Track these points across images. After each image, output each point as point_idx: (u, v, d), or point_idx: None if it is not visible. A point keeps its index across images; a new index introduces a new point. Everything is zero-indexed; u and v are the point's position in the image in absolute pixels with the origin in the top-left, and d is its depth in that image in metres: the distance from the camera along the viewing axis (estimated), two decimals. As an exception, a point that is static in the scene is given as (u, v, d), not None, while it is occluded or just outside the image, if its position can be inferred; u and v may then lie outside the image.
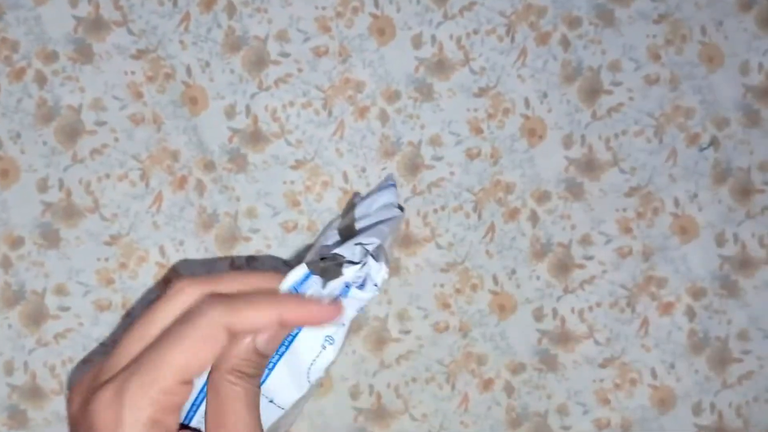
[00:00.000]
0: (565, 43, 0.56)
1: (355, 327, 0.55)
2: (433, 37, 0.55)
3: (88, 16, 0.53)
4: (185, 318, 0.31)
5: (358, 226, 0.45)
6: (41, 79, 0.53)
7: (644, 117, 0.56)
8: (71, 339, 0.53)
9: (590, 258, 0.55)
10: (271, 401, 0.37)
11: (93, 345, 0.53)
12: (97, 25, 0.53)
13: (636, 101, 0.56)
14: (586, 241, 0.55)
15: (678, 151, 0.56)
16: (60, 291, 0.53)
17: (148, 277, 0.54)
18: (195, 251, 0.54)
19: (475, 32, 0.55)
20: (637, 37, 0.56)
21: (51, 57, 0.53)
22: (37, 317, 0.53)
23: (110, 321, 0.53)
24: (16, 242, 0.53)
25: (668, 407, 0.55)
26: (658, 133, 0.56)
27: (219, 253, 0.54)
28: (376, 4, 0.55)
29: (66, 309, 0.53)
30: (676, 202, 0.56)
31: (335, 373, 0.55)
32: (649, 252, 0.55)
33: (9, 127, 0.53)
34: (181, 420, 0.34)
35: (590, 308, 0.55)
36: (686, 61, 0.56)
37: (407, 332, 0.55)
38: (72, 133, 0.53)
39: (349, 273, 0.37)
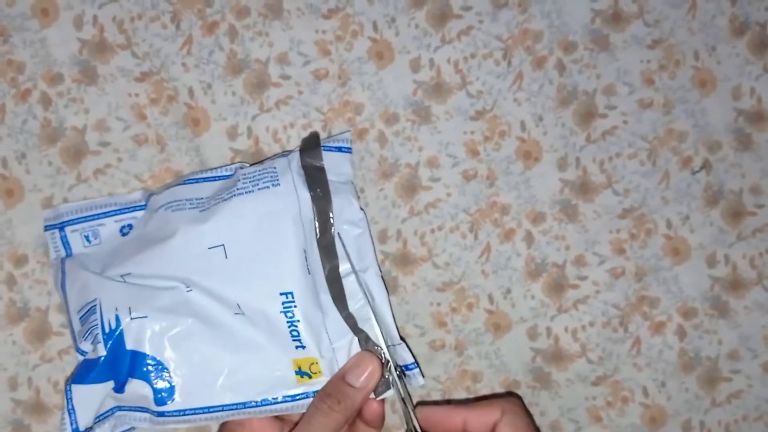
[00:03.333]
0: (561, 67, 0.57)
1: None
2: (431, 61, 0.56)
3: (92, 39, 0.54)
4: None
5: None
6: (46, 101, 0.54)
7: (638, 140, 0.57)
8: (74, 355, 0.54)
9: (584, 278, 0.56)
10: None
11: (96, 361, 0.54)
12: (101, 47, 0.54)
13: (630, 125, 0.57)
14: (580, 261, 0.56)
15: (671, 173, 0.57)
16: (62, 309, 0.54)
17: (150, 295, 0.55)
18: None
19: (473, 56, 0.56)
20: (632, 61, 0.57)
21: (56, 79, 0.54)
22: (40, 334, 0.54)
23: (113, 338, 0.55)
24: (21, 260, 0.54)
25: (659, 425, 0.56)
26: (651, 156, 0.57)
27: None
28: (375, 29, 0.56)
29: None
30: (669, 224, 0.57)
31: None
32: (641, 273, 0.57)
33: (14, 148, 0.54)
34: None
35: (583, 327, 0.56)
36: (679, 85, 0.57)
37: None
38: (76, 153, 0.54)
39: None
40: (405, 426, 0.47)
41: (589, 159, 0.57)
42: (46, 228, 0.52)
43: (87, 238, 0.52)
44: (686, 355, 0.57)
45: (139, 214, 0.52)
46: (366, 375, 0.46)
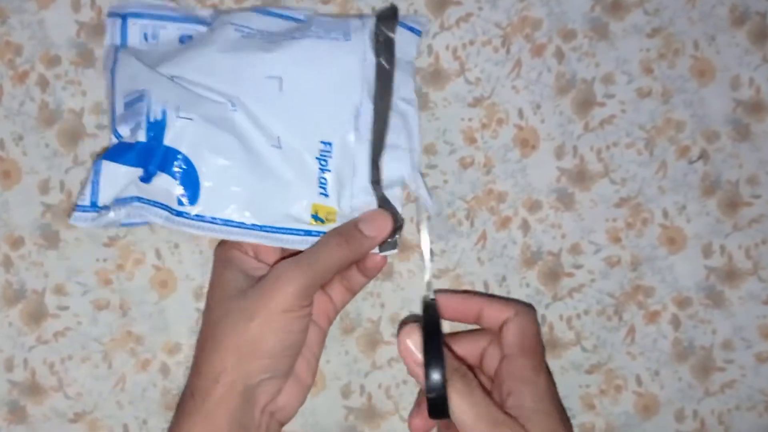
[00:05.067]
0: (560, 55, 0.56)
1: (348, 328, 0.56)
2: (430, 47, 0.56)
3: (90, 22, 0.54)
4: None
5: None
6: (44, 83, 0.54)
7: (636, 129, 0.57)
8: (70, 337, 0.55)
9: (579, 267, 0.57)
10: None
11: (91, 343, 0.55)
12: (99, 30, 0.54)
13: (628, 114, 0.57)
14: (575, 250, 0.57)
15: (668, 163, 0.57)
16: (59, 290, 0.55)
17: (144, 278, 0.55)
18: (190, 253, 0.55)
19: (471, 43, 0.56)
20: (631, 50, 0.57)
21: (53, 61, 0.54)
22: (37, 316, 0.54)
23: (108, 320, 0.55)
24: (17, 242, 0.54)
25: (652, 413, 0.57)
26: (648, 146, 0.57)
27: (216, 257, 0.55)
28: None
29: (65, 308, 0.55)
30: (665, 214, 0.57)
31: (328, 372, 0.56)
32: (637, 262, 0.57)
33: (11, 130, 0.54)
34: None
35: (578, 316, 0.57)
36: (678, 75, 0.57)
37: (399, 336, 0.56)
38: (73, 136, 0.54)
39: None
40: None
41: (586, 147, 0.57)
42: (110, 15, 0.52)
43: (145, 36, 0.52)
44: (680, 345, 0.57)
45: (202, 29, 0.52)
46: (378, 228, 0.49)
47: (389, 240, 0.50)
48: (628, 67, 0.57)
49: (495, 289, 0.56)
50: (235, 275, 0.48)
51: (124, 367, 0.55)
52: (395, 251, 0.51)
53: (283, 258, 0.48)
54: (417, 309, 0.56)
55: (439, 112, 0.56)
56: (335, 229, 0.49)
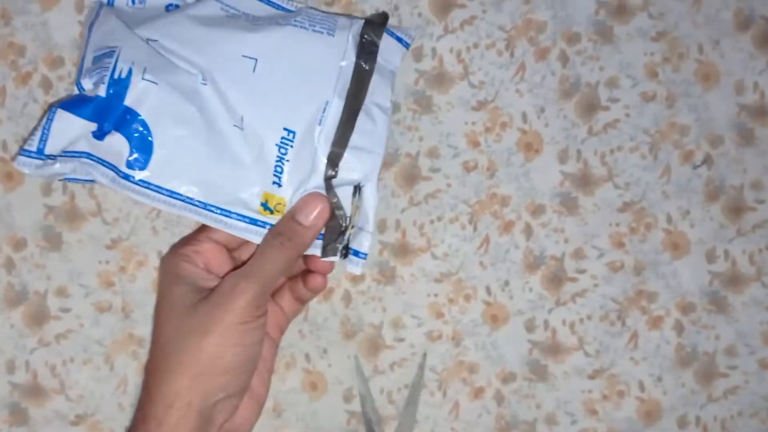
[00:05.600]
0: (564, 58, 0.56)
1: (350, 332, 0.56)
2: (434, 50, 0.56)
3: (93, 23, 0.54)
4: None
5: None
6: (47, 84, 0.54)
7: (640, 133, 0.56)
8: (72, 339, 0.55)
9: (582, 271, 0.56)
10: None
11: (93, 346, 0.55)
12: (102, 31, 0.54)
13: (632, 118, 0.56)
14: (578, 254, 0.56)
15: (672, 168, 0.57)
16: (61, 292, 0.54)
17: (147, 280, 0.55)
18: (195, 256, 0.55)
19: (475, 46, 0.56)
20: (635, 54, 0.56)
21: (57, 62, 0.54)
22: (38, 318, 0.54)
23: (110, 322, 0.55)
24: (20, 244, 0.54)
25: (654, 419, 0.57)
26: (653, 150, 0.57)
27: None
28: (377, 11, 0.55)
29: (67, 310, 0.55)
30: (669, 219, 0.57)
31: (329, 376, 0.56)
32: (640, 267, 0.56)
33: (15, 131, 0.54)
34: None
35: (581, 321, 0.56)
36: (683, 79, 0.57)
37: (401, 340, 0.56)
38: (76, 137, 0.54)
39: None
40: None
41: (590, 152, 0.56)
42: None
43: None
44: (683, 350, 0.57)
45: (190, 0, 0.52)
46: (315, 214, 0.47)
47: (334, 244, 0.49)
48: (633, 71, 0.57)
49: (497, 294, 0.56)
50: (184, 290, 0.46)
51: (126, 370, 0.55)
52: (338, 258, 0.49)
53: (235, 268, 0.48)
54: (419, 313, 0.56)
55: (442, 116, 0.56)
56: (274, 229, 0.48)
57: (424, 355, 0.56)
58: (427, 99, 0.56)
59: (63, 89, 0.54)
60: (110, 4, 0.51)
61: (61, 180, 0.50)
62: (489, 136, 0.56)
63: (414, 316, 0.56)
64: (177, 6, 0.51)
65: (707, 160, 0.57)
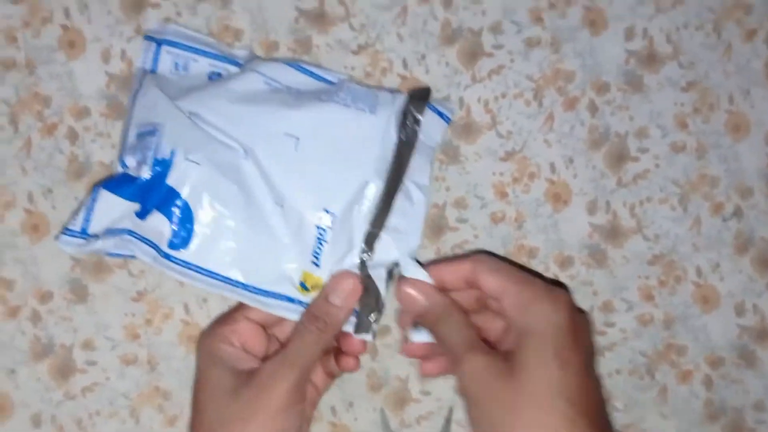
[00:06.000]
0: (593, 108, 0.56)
1: (376, 385, 0.55)
2: (461, 100, 0.55)
3: (120, 73, 0.54)
4: None
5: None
6: (72, 135, 0.54)
7: (669, 185, 0.56)
8: (98, 393, 0.54)
9: (611, 325, 0.56)
10: None
11: (119, 399, 0.54)
12: (129, 81, 0.54)
13: (662, 168, 0.56)
14: (608, 307, 0.56)
15: (702, 219, 0.56)
16: (87, 345, 0.54)
17: (172, 333, 0.55)
18: (219, 308, 0.55)
19: (503, 96, 0.56)
20: (665, 104, 0.56)
21: (83, 113, 0.54)
22: (64, 371, 0.54)
23: (135, 375, 0.54)
24: (45, 297, 0.54)
25: (683, 473, 0.56)
26: (682, 202, 0.56)
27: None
28: (405, 65, 0.55)
29: (93, 363, 0.54)
30: (699, 272, 0.56)
31: (356, 430, 0.55)
32: (670, 320, 0.56)
33: (41, 182, 0.54)
34: None
35: (609, 375, 0.56)
36: (713, 129, 0.56)
37: (427, 393, 0.56)
38: (102, 189, 0.54)
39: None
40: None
41: (619, 203, 0.56)
42: (146, 37, 0.52)
43: (177, 65, 0.51)
44: (713, 405, 0.56)
45: (233, 69, 0.52)
46: (347, 294, 0.47)
47: (367, 320, 0.48)
48: (663, 121, 0.56)
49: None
50: (223, 373, 0.46)
51: (152, 423, 0.55)
52: (370, 337, 0.48)
53: (271, 346, 0.49)
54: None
55: (470, 166, 0.56)
56: (310, 311, 0.48)
57: (450, 409, 0.55)
58: (454, 149, 0.55)
59: (89, 140, 0.54)
60: (153, 71, 0.51)
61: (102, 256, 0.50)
62: (517, 187, 0.56)
63: (441, 368, 0.56)
64: (219, 74, 0.51)
65: (737, 213, 0.56)
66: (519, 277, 0.46)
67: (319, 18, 0.55)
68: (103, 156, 0.54)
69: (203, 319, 0.55)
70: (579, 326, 0.45)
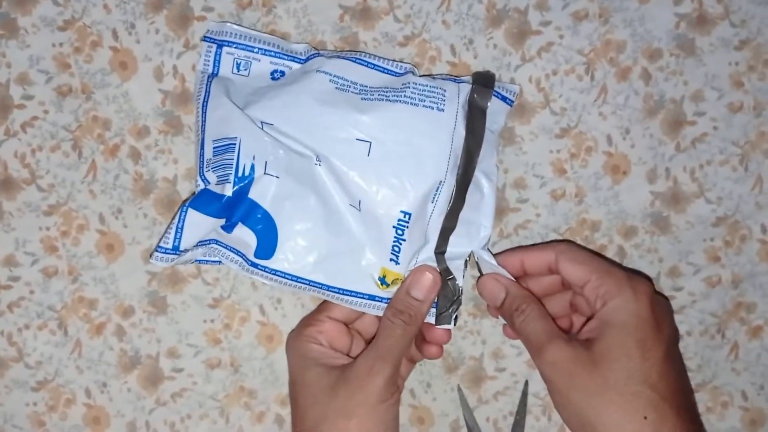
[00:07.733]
0: (646, 76, 0.55)
1: (452, 366, 0.57)
2: (512, 80, 0.55)
3: (174, 90, 0.55)
4: None
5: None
6: (135, 154, 0.55)
7: (729, 146, 0.56)
8: (187, 397, 0.57)
9: (680, 289, 0.57)
10: None
11: (208, 401, 0.57)
12: (183, 97, 0.54)
13: (720, 130, 0.56)
14: (674, 272, 0.56)
15: (764, 178, 0.56)
16: (172, 353, 0.56)
17: (251, 335, 0.56)
18: (293, 307, 0.56)
19: (554, 73, 0.55)
20: (719, 65, 0.55)
21: (142, 132, 0.55)
22: (153, 379, 0.56)
23: (221, 378, 0.57)
24: (128, 312, 0.56)
25: (758, 427, 0.57)
26: (743, 162, 0.56)
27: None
28: (453, 52, 0.55)
29: (179, 370, 0.56)
30: (764, 229, 0.56)
31: (435, 410, 0.57)
32: (738, 279, 0.56)
33: (110, 204, 0.55)
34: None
35: (681, 337, 0.57)
36: (770, 85, 0.55)
37: (502, 370, 0.57)
38: (170, 204, 0.55)
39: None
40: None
41: (679, 168, 0.56)
42: (205, 39, 0.52)
43: (238, 65, 0.52)
44: (785, 359, 0.57)
45: (295, 65, 0.52)
46: (428, 288, 0.49)
47: (447, 312, 0.50)
48: (718, 83, 0.55)
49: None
50: (318, 372, 0.49)
51: (241, 421, 0.57)
52: (452, 326, 0.51)
53: (354, 342, 0.51)
54: (517, 343, 0.57)
55: (526, 146, 0.56)
56: (394, 306, 0.49)
57: (526, 382, 0.57)
58: (509, 131, 0.56)
59: (151, 157, 0.55)
60: (215, 74, 0.52)
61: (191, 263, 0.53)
62: (575, 162, 0.56)
63: (513, 346, 0.57)
64: (282, 73, 0.52)
65: (800, 167, 0.56)
66: (600, 267, 0.47)
67: (364, 13, 0.55)
68: (166, 172, 0.55)
69: (278, 319, 0.56)
70: (660, 315, 0.45)
